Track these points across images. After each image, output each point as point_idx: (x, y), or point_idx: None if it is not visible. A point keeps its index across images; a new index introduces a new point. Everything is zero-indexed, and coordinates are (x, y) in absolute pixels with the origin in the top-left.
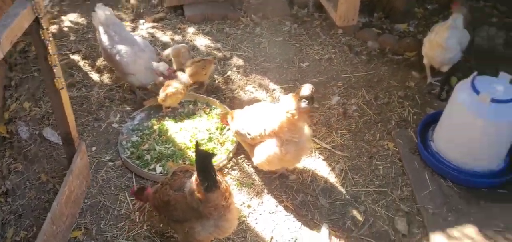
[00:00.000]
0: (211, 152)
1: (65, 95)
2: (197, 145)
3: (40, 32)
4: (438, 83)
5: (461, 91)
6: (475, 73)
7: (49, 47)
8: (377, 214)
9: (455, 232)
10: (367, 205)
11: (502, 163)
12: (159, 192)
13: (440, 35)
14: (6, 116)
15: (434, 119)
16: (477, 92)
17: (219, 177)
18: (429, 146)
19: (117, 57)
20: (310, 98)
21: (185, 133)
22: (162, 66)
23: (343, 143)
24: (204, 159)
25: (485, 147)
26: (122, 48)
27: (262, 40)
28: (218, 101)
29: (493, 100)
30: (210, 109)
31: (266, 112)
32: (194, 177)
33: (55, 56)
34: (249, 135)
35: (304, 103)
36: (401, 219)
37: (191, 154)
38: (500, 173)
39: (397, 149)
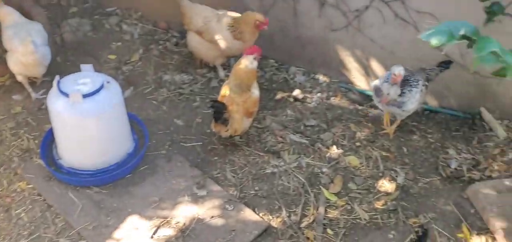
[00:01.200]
0: None
1: None
2: None
3: None
4: (45, 95)
5: (53, 100)
6: (57, 77)
7: None
8: None
9: (117, 233)
10: None
11: (132, 143)
12: None
13: (29, 59)
14: None
15: (53, 136)
16: (66, 95)
17: None
18: (60, 165)
19: None
20: None
21: None
22: None
23: None
24: None
25: (105, 139)
26: None
27: None
28: None
29: (85, 96)
30: None
31: None
32: None
33: None
34: None
35: None
36: None
37: None
38: (134, 153)
39: (32, 186)
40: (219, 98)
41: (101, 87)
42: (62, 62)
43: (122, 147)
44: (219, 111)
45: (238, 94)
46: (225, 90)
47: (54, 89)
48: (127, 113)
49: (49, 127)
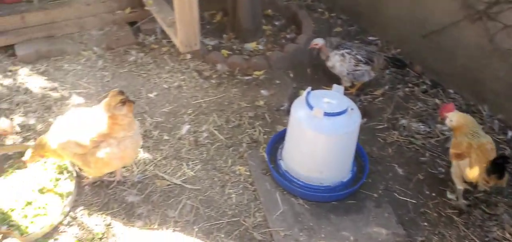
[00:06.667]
0: None
1: None
2: None
3: None
4: None
5: (297, 108)
6: (309, 88)
7: None
8: None
9: None
10: (220, 239)
11: (349, 173)
12: None
13: None
14: None
15: (283, 137)
16: (311, 107)
17: None
18: (279, 165)
19: None
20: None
21: (11, 191)
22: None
23: (194, 174)
24: None
25: (327, 160)
26: None
27: (105, 73)
28: None
29: (327, 114)
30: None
31: (91, 117)
32: None
33: None
34: (81, 143)
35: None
36: None
37: (17, 216)
38: (347, 184)
39: (249, 173)
40: (458, 151)
41: (344, 111)
42: (311, 74)
43: (339, 173)
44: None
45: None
46: (466, 143)
47: (302, 98)
48: (356, 143)
49: (281, 128)
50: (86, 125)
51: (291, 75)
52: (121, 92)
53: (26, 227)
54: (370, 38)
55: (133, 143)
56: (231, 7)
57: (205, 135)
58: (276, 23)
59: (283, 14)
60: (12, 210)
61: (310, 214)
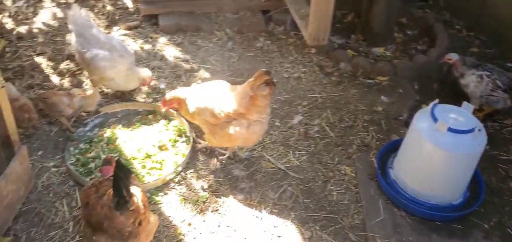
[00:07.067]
0: (128, 168)
1: (3, 95)
2: (118, 160)
3: None
4: None
5: (420, 118)
6: (436, 100)
7: None
8: None
9: None
10: (314, 231)
11: (460, 197)
12: (85, 191)
13: None
14: None
15: (397, 146)
16: (436, 120)
17: (137, 203)
18: (387, 173)
19: (94, 61)
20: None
21: (135, 142)
22: (145, 72)
23: (299, 164)
24: (119, 172)
25: (441, 177)
26: (99, 52)
27: (233, 54)
28: (176, 112)
29: (451, 130)
30: (168, 122)
31: (232, 93)
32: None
33: None
34: (217, 114)
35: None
36: None
37: (137, 165)
38: (457, 207)
39: (354, 175)
40: None
41: (470, 130)
42: (437, 90)
43: (450, 194)
44: None
45: None
46: None
47: (427, 109)
48: (475, 168)
49: (396, 138)
50: (226, 99)
51: (416, 87)
52: (267, 72)
53: (143, 177)
54: (509, 64)
55: (261, 129)
56: (365, 9)
57: (316, 128)
58: (409, 32)
59: (417, 24)
60: (134, 159)
61: (411, 228)
